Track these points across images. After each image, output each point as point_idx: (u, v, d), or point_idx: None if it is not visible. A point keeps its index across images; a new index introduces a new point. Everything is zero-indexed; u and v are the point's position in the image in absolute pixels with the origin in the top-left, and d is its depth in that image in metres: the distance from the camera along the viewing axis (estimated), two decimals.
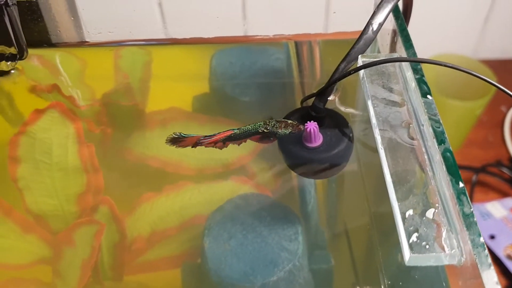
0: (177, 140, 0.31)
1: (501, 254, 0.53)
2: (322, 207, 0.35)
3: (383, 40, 0.31)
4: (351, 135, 0.30)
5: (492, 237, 0.55)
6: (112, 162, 0.37)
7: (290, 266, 0.30)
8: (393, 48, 0.30)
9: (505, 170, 0.60)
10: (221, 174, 0.36)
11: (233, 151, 0.37)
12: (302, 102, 0.32)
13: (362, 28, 0.27)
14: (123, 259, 0.33)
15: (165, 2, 0.39)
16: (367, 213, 0.33)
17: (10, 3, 0.29)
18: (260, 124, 0.30)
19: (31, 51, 0.35)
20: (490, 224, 0.56)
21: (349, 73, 0.25)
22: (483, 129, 0.66)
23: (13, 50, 0.33)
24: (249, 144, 0.38)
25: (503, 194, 0.59)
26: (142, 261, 0.33)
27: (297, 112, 0.31)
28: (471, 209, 0.18)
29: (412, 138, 0.23)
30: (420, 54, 0.25)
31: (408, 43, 0.26)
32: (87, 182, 0.35)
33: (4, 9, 0.29)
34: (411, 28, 0.75)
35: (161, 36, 0.40)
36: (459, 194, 0.19)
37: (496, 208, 0.58)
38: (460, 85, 0.60)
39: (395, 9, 0.28)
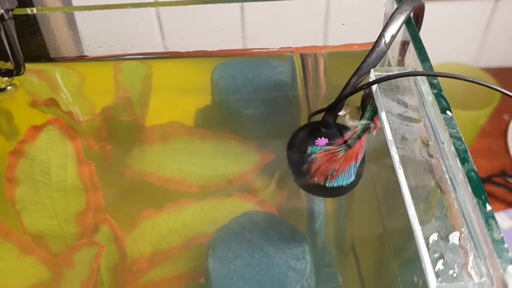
0: None
1: None
2: (330, 225, 0.34)
3: (393, 52, 0.30)
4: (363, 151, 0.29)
5: None
6: (112, 179, 0.36)
7: (298, 287, 0.29)
8: (404, 60, 0.29)
9: (510, 180, 0.59)
10: (225, 190, 0.35)
11: (236, 167, 0.36)
12: (310, 117, 0.31)
13: (367, 40, 0.26)
14: (124, 280, 0.32)
15: (164, 15, 0.38)
16: (379, 231, 0.32)
17: (6, 17, 0.28)
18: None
19: (29, 66, 0.34)
20: None
21: (362, 88, 0.24)
22: (487, 138, 0.65)
23: (9, 65, 0.32)
24: (253, 159, 0.37)
25: (509, 205, 0.58)
26: (144, 281, 0.32)
27: (306, 128, 0.30)
28: (501, 235, 0.17)
29: (431, 156, 0.22)
30: None
31: (423, 56, 0.25)
32: (86, 200, 0.34)
33: (0, 24, 0.28)
34: None
35: (161, 49, 0.39)
36: (487, 218, 0.18)
37: (502, 219, 0.57)
38: (463, 95, 0.59)
39: (407, 20, 0.27)
